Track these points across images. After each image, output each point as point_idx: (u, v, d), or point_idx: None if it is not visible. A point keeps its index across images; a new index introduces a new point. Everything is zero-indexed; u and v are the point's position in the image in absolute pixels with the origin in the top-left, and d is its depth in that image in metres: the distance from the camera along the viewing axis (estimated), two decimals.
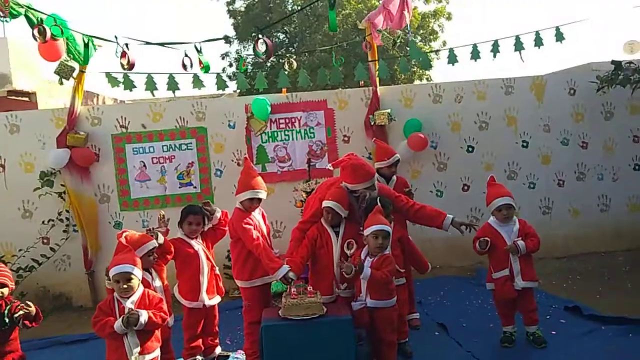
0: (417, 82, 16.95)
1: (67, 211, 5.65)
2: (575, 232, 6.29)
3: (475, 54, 5.87)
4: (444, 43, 17.89)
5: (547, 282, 5.20)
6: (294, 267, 3.63)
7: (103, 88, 5.25)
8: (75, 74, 5.44)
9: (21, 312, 3.17)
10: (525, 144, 6.27)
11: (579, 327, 4.09)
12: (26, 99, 12.00)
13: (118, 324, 2.87)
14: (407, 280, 4.16)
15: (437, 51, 14.78)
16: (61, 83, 5.50)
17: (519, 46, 5.79)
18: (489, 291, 4.07)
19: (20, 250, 5.61)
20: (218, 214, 3.98)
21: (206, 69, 5.28)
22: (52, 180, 5.62)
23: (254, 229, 3.75)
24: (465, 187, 6.24)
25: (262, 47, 4.56)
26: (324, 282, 3.64)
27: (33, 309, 3.21)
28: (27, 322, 3.20)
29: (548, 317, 4.33)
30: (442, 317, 4.58)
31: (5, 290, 3.24)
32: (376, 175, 3.84)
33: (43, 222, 5.65)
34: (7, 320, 3.19)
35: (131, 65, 5.20)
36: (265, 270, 3.72)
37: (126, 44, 4.72)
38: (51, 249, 5.64)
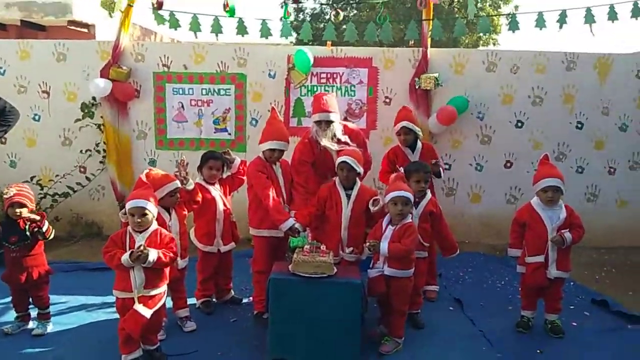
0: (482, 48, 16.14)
1: (105, 143, 5.73)
2: (619, 224, 5.92)
3: (540, 22, 5.44)
4: (516, 7, 16.84)
5: (579, 272, 4.92)
6: (301, 219, 3.65)
7: (162, 27, 5.25)
8: (122, 8, 5.46)
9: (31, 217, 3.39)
10: (579, 126, 5.86)
11: (603, 322, 3.88)
12: (85, 30, 12.21)
13: (125, 258, 2.90)
14: (430, 251, 4.02)
15: (499, 15, 13.90)
16: (110, 16, 5.54)
17: (589, 19, 5.31)
18: (516, 274, 3.88)
19: (57, 176, 5.79)
20: (237, 162, 3.98)
21: (231, 12, 5.13)
22: (93, 111, 5.71)
23: (267, 179, 3.73)
24: (508, 164, 5.94)
25: None
26: (330, 244, 3.55)
27: (37, 217, 3.43)
28: (34, 226, 3.39)
29: (572, 307, 4.12)
30: (460, 293, 4.46)
31: (25, 210, 3.38)
32: (333, 115, 3.94)
33: (81, 151, 5.79)
34: (28, 234, 3.37)
35: (159, 4, 5.15)
36: (273, 224, 3.70)
37: None
38: (87, 178, 5.79)
